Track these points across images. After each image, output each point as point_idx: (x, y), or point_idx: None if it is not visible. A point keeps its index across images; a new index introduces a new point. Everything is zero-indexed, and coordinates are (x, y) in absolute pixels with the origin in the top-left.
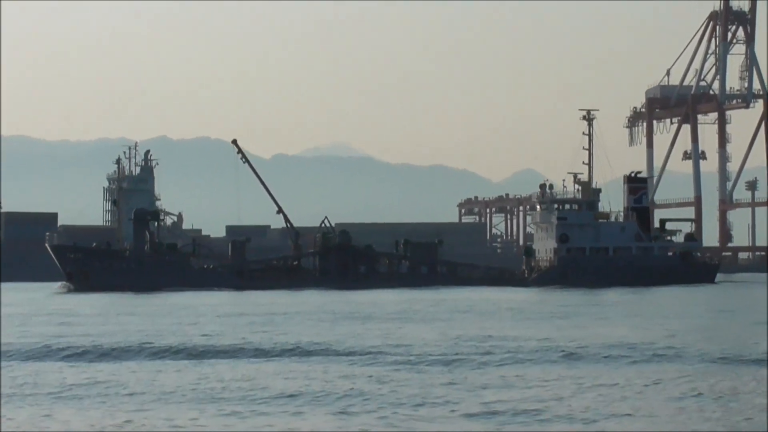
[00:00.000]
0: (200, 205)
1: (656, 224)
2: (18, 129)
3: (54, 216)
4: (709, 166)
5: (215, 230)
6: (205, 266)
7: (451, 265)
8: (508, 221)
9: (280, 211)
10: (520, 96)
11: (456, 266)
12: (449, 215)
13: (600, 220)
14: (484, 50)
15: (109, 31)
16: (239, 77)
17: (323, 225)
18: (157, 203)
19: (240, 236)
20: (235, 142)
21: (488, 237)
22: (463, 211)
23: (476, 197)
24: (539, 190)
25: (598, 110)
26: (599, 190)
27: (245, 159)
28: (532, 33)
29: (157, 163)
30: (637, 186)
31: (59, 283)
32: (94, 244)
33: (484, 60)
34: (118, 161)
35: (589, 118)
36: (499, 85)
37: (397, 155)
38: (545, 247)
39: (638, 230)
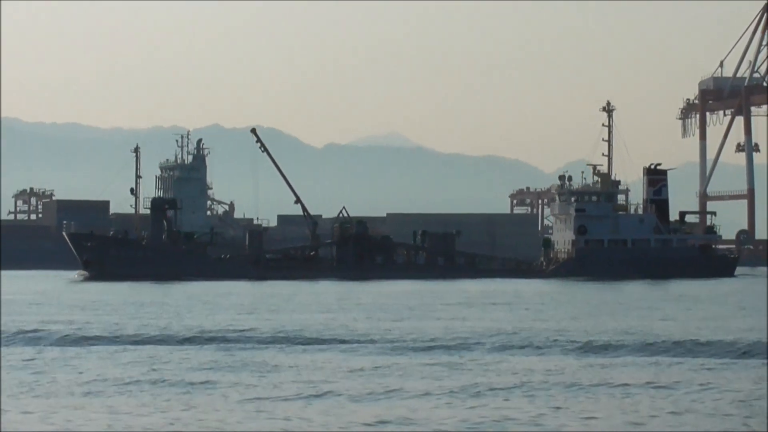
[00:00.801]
0: (252, 194)
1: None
2: (71, 116)
3: (106, 204)
4: (763, 158)
5: (267, 218)
6: (223, 256)
7: (469, 257)
8: None
9: (298, 200)
10: (575, 86)
11: (474, 257)
12: (501, 206)
13: (619, 212)
14: (539, 39)
15: (163, 19)
16: (291, 65)
17: (341, 215)
18: (209, 192)
19: (291, 225)
20: (254, 131)
21: (540, 228)
22: (514, 201)
23: (528, 188)
24: (558, 181)
25: (614, 107)
26: (618, 182)
27: (264, 148)
28: (586, 24)
29: (209, 152)
30: (657, 178)
31: (76, 272)
32: (111, 233)
33: (538, 49)
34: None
35: (608, 110)
36: (553, 74)
37: (450, 145)
38: (564, 239)
39: (657, 222)
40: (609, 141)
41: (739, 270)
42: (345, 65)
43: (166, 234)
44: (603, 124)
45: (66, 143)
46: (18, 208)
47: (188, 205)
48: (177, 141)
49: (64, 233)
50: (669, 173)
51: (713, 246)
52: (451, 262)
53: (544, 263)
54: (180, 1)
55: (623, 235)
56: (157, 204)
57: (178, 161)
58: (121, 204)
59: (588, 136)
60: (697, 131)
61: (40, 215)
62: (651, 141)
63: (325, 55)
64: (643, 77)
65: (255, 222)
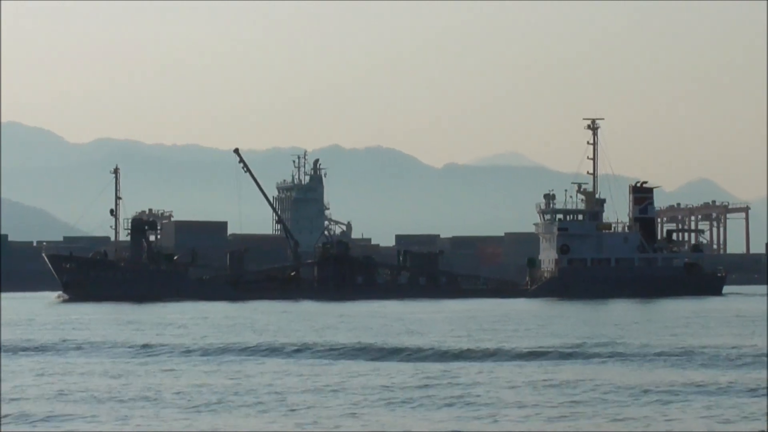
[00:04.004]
0: (370, 215)
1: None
2: (191, 138)
3: (224, 225)
4: None
5: (385, 239)
6: (204, 277)
7: (452, 276)
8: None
9: (279, 220)
10: (698, 104)
11: (456, 277)
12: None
13: (604, 231)
14: (662, 57)
15: (283, 43)
16: (411, 87)
17: (324, 234)
18: (326, 212)
19: (410, 245)
20: (236, 151)
21: None
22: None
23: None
24: (543, 200)
25: (603, 119)
26: (603, 200)
27: (246, 168)
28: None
29: (326, 173)
30: (643, 196)
31: (56, 293)
32: (91, 254)
33: (661, 68)
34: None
35: (593, 127)
36: (675, 91)
37: (571, 164)
38: (548, 258)
39: (642, 241)
40: (594, 159)
41: (726, 288)
42: (465, 86)
43: (146, 255)
44: (588, 142)
45: (185, 165)
46: None
47: (305, 226)
48: (294, 162)
49: (43, 254)
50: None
51: (699, 264)
52: (433, 281)
53: (529, 283)
54: (301, 25)
55: (607, 254)
56: (137, 225)
57: (295, 182)
58: (239, 224)
59: (712, 153)
60: None
61: (158, 236)
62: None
63: (446, 76)
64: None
65: (372, 243)
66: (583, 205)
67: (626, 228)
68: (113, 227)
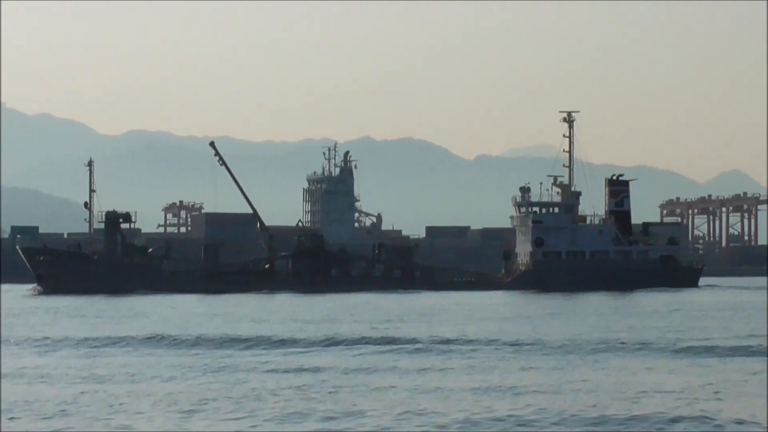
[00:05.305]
0: (401, 206)
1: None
2: (223, 130)
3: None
4: None
5: (415, 231)
6: (179, 270)
7: (427, 269)
8: (711, 222)
9: (254, 213)
10: (730, 96)
11: (432, 270)
12: (651, 216)
13: (579, 224)
14: (690, 50)
15: (317, 34)
16: (443, 78)
17: (298, 226)
18: (357, 204)
19: (439, 237)
20: (212, 144)
21: (690, 238)
22: (664, 212)
23: (678, 198)
24: (519, 193)
25: (578, 111)
26: (579, 193)
27: (222, 162)
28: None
29: (356, 165)
30: (619, 189)
31: (30, 286)
32: (65, 247)
33: (694, 59)
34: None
35: (569, 120)
36: (705, 84)
37: (602, 156)
38: (523, 251)
39: (617, 234)
40: (570, 152)
41: (703, 281)
42: (498, 78)
43: (121, 248)
44: (564, 135)
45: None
46: (168, 221)
47: (335, 218)
48: (324, 153)
49: (17, 247)
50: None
51: (675, 257)
52: (408, 275)
53: (504, 275)
54: (334, 17)
55: (582, 247)
56: (111, 218)
57: (326, 174)
58: (270, 217)
59: (742, 146)
60: None
61: (189, 228)
62: None
63: (478, 68)
64: None
65: (403, 234)
66: (559, 198)
67: (602, 221)
68: (87, 220)
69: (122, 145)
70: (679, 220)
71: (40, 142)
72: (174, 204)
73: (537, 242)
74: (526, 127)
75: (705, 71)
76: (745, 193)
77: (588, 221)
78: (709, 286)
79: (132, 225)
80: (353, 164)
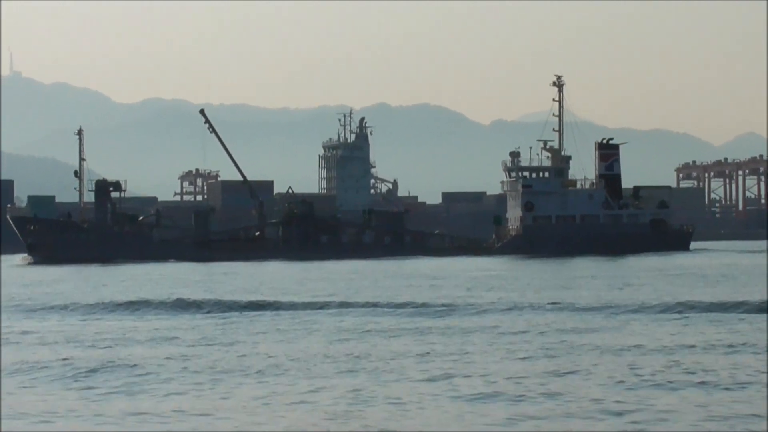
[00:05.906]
0: (417, 172)
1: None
2: (239, 97)
3: (270, 184)
4: None
5: (431, 197)
6: (169, 238)
7: (418, 235)
8: (727, 186)
9: (245, 180)
10: (746, 57)
11: (423, 236)
12: (667, 180)
13: (569, 188)
14: (707, 12)
15: (331, 0)
16: (457, 43)
17: (287, 193)
18: (372, 170)
19: (456, 202)
20: (202, 111)
21: (707, 202)
22: (681, 175)
23: (694, 162)
24: (509, 157)
25: (562, 75)
26: (569, 157)
27: (212, 129)
28: None
29: (372, 131)
30: (609, 153)
31: (21, 255)
32: (56, 216)
33: (708, 25)
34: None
35: (559, 84)
36: (723, 46)
37: (618, 119)
38: (513, 216)
39: (607, 198)
40: (560, 116)
41: (694, 245)
42: (513, 42)
43: (111, 216)
44: (553, 99)
45: (233, 125)
46: (184, 189)
47: (351, 184)
48: (339, 120)
49: (8, 216)
50: None
51: (666, 221)
52: (398, 241)
53: (495, 241)
54: None
55: (572, 211)
56: (101, 186)
57: (341, 140)
58: (285, 184)
59: (758, 108)
60: None
61: (205, 196)
62: None
63: (493, 32)
64: None
65: (419, 200)
66: (549, 162)
67: (592, 185)
68: (77, 189)
69: (138, 113)
70: (696, 183)
71: (57, 111)
72: (190, 172)
73: (527, 207)
74: (543, 91)
75: (722, 32)
76: (761, 156)
77: (578, 185)
78: (701, 249)
79: (122, 193)
80: (369, 130)
